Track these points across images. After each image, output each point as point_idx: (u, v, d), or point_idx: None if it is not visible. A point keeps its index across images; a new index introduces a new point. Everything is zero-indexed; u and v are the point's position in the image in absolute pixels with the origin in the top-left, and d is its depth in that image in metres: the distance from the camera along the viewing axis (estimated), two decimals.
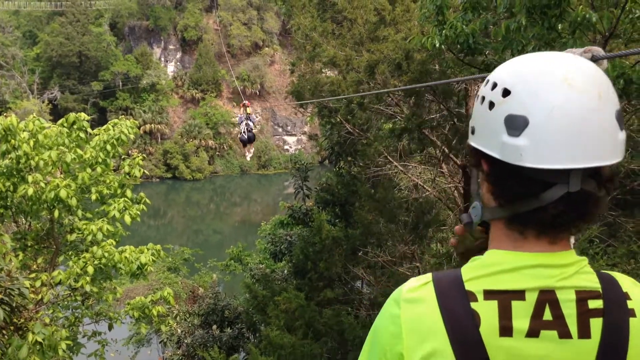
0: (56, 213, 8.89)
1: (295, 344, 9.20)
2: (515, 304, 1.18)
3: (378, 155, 11.64)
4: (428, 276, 1.28)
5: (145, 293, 11.96)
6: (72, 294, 9.75)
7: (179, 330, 17.11)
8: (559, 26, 6.48)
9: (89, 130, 9.53)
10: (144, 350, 20.66)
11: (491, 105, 1.21)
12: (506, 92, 1.18)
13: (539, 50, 6.21)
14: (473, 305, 1.19)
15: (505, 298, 1.19)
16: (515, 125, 1.16)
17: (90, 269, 8.78)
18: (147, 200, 10.13)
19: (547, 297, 1.18)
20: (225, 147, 69.01)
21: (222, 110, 69.96)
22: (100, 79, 66.21)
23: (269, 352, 9.05)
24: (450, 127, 10.81)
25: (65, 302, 10.03)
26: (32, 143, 8.65)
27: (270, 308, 10.54)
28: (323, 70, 14.11)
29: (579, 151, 1.13)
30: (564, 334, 1.17)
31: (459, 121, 10.56)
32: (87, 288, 8.88)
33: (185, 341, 16.43)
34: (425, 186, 11.47)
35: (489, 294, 1.20)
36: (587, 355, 1.17)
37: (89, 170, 9.21)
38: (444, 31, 7.31)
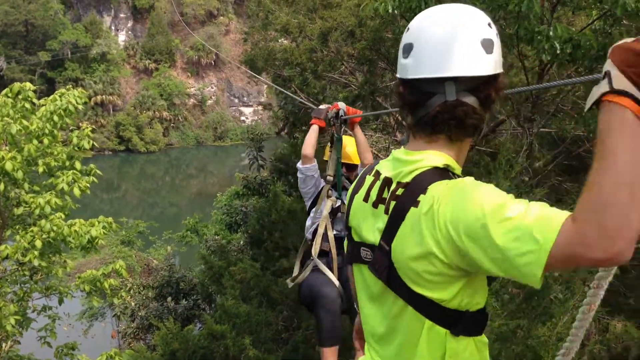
0: (1, 186, 8.56)
1: (250, 313, 9.21)
2: (375, 182, 1.67)
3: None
4: None
5: (98, 267, 11.77)
6: (19, 268, 9.49)
7: (133, 304, 16.96)
8: None
9: (35, 100, 9.15)
10: (97, 324, 20.41)
11: (401, 41, 1.62)
12: (407, 29, 1.60)
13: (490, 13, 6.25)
14: (367, 177, 1.73)
15: (375, 177, 1.68)
16: (406, 49, 1.57)
17: (38, 243, 8.53)
18: (98, 172, 9.86)
19: (386, 182, 1.62)
20: (180, 118, 67.88)
21: (177, 81, 68.61)
22: (47, 48, 63.74)
23: (224, 321, 9.03)
24: None
25: (13, 277, 9.77)
26: None
27: (225, 278, 10.50)
28: (277, 38, 13.90)
29: (443, 65, 1.49)
30: (376, 205, 1.62)
31: None
32: (36, 262, 8.64)
33: (139, 314, 16.29)
34: (380, 155, 11.51)
35: (373, 173, 1.71)
36: (382, 224, 1.57)
37: (35, 142, 8.85)
38: None
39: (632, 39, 1.17)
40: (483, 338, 1.62)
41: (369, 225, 1.66)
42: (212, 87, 71.68)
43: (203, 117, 69.70)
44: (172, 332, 9.61)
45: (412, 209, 1.47)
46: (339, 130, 4.09)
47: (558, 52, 6.25)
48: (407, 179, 1.54)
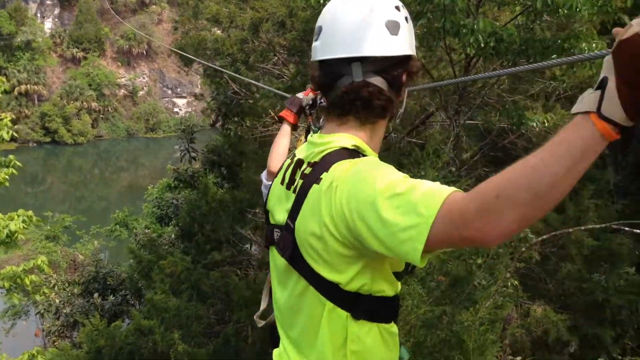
0: None
1: (180, 307, 9.05)
2: (290, 165, 1.69)
3: (265, 115, 11.53)
4: None
5: (20, 263, 11.27)
6: None
7: (57, 300, 16.33)
8: None
9: None
10: (20, 322, 19.57)
11: None
12: (321, 15, 1.63)
13: None
14: (286, 161, 1.76)
15: (291, 160, 1.71)
16: (317, 32, 1.61)
17: None
18: (18, 163, 9.43)
19: (298, 164, 1.64)
20: (110, 109, 65.88)
21: (106, 71, 66.52)
22: None
23: (152, 316, 8.84)
24: None
25: None
26: None
27: (154, 273, 10.27)
28: (208, 28, 13.64)
29: (348, 45, 1.52)
30: (289, 187, 1.64)
31: None
32: None
33: (64, 311, 15.72)
34: None
35: (291, 156, 1.75)
36: (290, 204, 1.59)
37: None
38: None
39: None
40: (392, 327, 1.62)
41: (282, 206, 1.67)
42: (143, 78, 69.96)
43: (134, 108, 67.95)
44: (98, 328, 9.34)
45: (315, 185, 1.48)
46: (317, 122, 3.39)
47: (482, 45, 6.41)
48: (317, 159, 1.55)
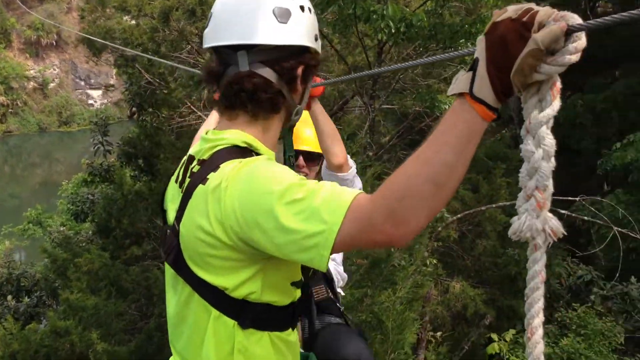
0: None
1: (98, 305, 8.77)
2: (183, 162, 1.60)
3: (181, 105, 11.31)
4: None
5: None
6: None
7: None
8: None
9: None
10: None
11: None
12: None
13: None
14: (184, 158, 1.62)
15: (186, 157, 1.61)
16: (208, 18, 1.54)
17: None
18: None
19: (189, 161, 1.55)
20: (19, 103, 62.50)
21: (14, 63, 62.96)
22: None
23: (69, 316, 8.53)
24: None
25: None
26: None
27: (70, 271, 9.91)
28: (117, 16, 13.15)
29: (231, 32, 1.45)
30: (180, 185, 1.53)
31: None
32: None
33: None
34: None
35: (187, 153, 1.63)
36: (178, 204, 1.50)
37: None
38: None
39: (520, 6, 1.05)
40: (288, 336, 1.53)
41: (173, 206, 1.56)
42: (54, 69, 66.77)
43: (45, 102, 64.81)
44: (11, 332, 8.95)
45: (200, 186, 1.39)
46: None
47: (393, 31, 6.53)
48: (206, 156, 1.47)
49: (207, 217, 1.33)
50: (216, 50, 1.51)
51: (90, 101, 67.15)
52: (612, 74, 14.10)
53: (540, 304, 1.13)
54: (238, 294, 1.39)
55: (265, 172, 1.30)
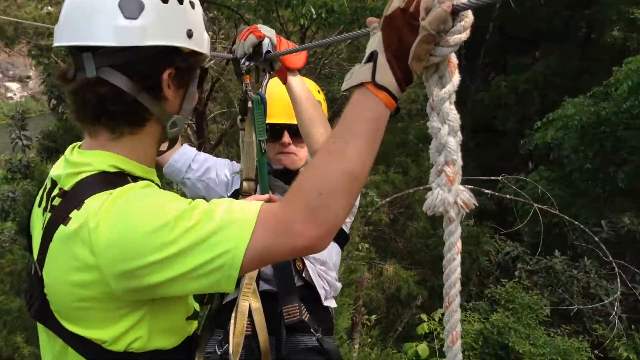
0: None
1: (23, 307, 8.41)
2: (46, 184, 1.32)
3: None
4: None
5: None
6: None
7: None
8: None
9: None
10: None
11: None
12: None
13: None
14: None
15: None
16: None
17: None
18: None
19: (53, 185, 1.28)
20: None
21: None
22: None
23: None
24: None
25: None
26: None
27: None
28: (30, 4, 12.58)
29: (72, 30, 1.21)
30: (43, 212, 1.27)
31: None
32: None
33: None
34: None
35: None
36: (39, 243, 1.24)
37: None
38: None
39: None
40: None
41: (37, 239, 1.28)
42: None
43: None
44: None
45: (61, 226, 1.16)
46: (257, 86, 2.21)
47: (315, 16, 6.49)
48: (67, 186, 1.22)
49: (76, 266, 1.14)
50: (70, 50, 1.25)
51: (9, 94, 64.17)
52: (533, 54, 14.55)
53: (457, 274, 1.16)
54: (118, 347, 1.20)
55: (144, 205, 1.13)
